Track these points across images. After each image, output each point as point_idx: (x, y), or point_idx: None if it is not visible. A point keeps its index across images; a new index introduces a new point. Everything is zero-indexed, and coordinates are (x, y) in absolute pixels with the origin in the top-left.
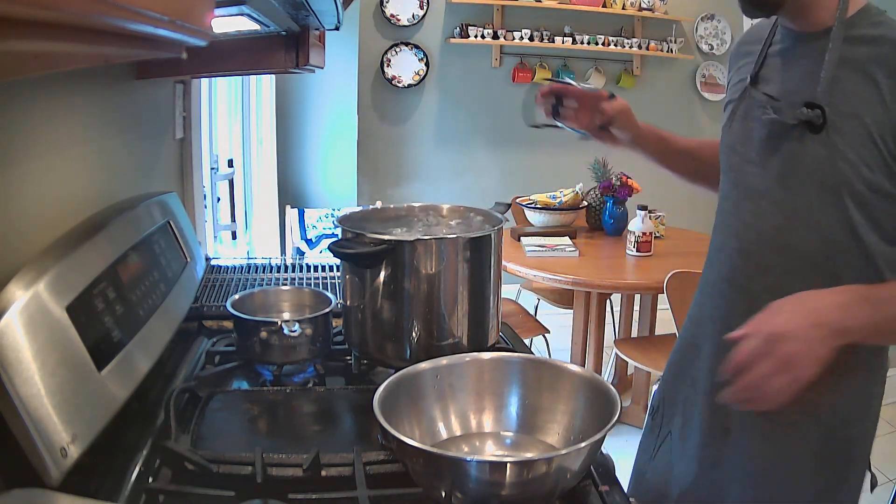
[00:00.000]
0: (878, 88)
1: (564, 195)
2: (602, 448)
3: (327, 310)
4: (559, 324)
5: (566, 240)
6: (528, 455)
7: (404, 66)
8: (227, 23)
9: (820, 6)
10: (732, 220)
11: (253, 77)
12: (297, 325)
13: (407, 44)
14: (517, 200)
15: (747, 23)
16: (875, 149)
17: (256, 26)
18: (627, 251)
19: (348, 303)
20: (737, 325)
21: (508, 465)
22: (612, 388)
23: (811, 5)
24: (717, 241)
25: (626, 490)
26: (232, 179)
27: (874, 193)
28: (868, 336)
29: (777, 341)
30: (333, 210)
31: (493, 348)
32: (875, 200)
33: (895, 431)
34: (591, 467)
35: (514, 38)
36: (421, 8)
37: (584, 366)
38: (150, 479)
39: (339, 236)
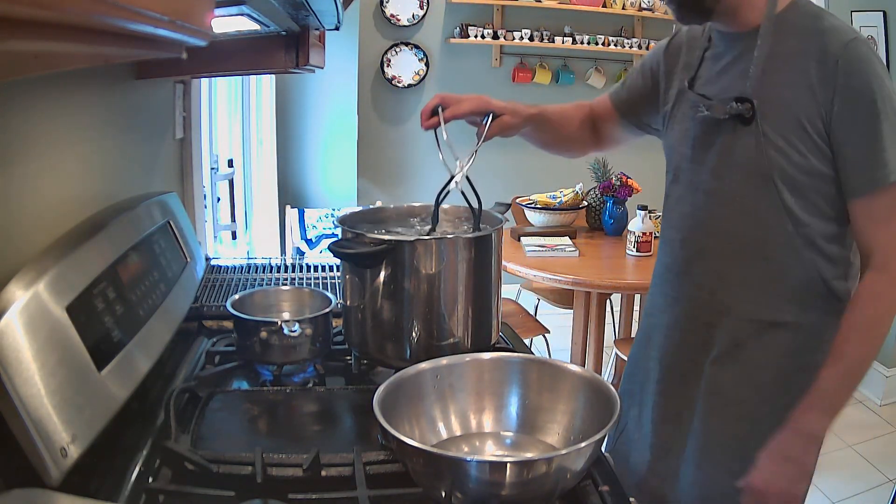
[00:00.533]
0: (806, 75)
1: (564, 195)
2: (602, 448)
3: (327, 310)
4: (559, 324)
5: (566, 240)
6: (528, 455)
7: (404, 66)
8: (227, 23)
9: (749, 7)
10: (674, 214)
11: (253, 77)
12: (297, 325)
13: (407, 44)
14: (517, 200)
15: None
16: (805, 133)
17: (256, 26)
18: (627, 251)
19: (348, 303)
20: (681, 311)
21: (508, 465)
22: (612, 388)
23: (740, 7)
24: (663, 235)
25: None
26: (232, 179)
27: (808, 176)
28: (836, 413)
29: (762, 494)
30: (333, 210)
31: (493, 348)
32: (810, 182)
33: (895, 431)
34: (591, 467)
35: (514, 38)
36: (421, 8)
37: (584, 366)
38: (150, 479)
39: (339, 236)
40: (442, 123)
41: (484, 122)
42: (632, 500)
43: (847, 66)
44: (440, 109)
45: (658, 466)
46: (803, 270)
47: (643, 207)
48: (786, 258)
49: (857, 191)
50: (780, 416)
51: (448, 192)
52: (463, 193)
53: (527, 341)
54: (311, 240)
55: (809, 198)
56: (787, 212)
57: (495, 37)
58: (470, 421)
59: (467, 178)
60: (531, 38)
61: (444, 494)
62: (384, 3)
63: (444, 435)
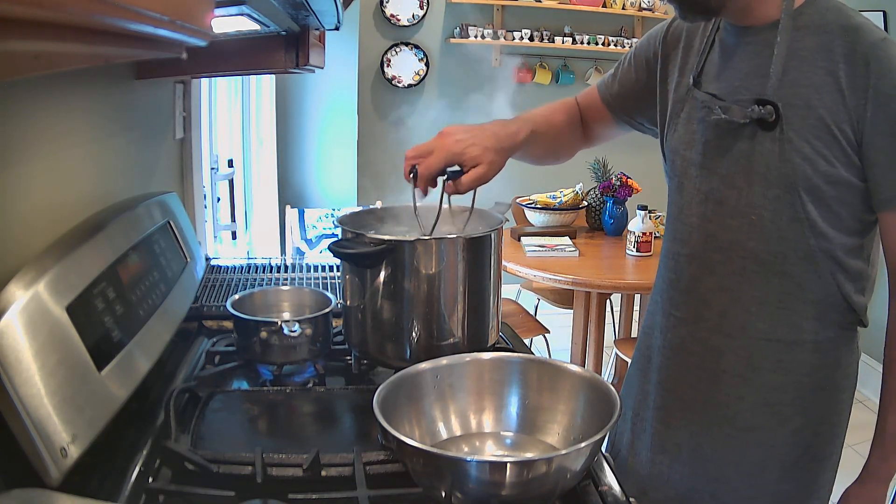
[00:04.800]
0: (833, 76)
1: (564, 195)
2: (602, 448)
3: (327, 310)
4: (559, 324)
5: (566, 240)
6: (528, 455)
7: (404, 66)
8: (227, 23)
9: (764, 1)
10: (678, 226)
11: (253, 77)
12: (297, 325)
13: (407, 44)
14: (517, 200)
15: None
16: (832, 139)
17: (256, 26)
18: (627, 251)
19: (348, 303)
20: (687, 333)
21: (508, 465)
22: (612, 388)
23: (755, 3)
24: (665, 249)
25: None
26: (232, 179)
27: (832, 186)
28: None
29: None
30: (333, 210)
31: (493, 348)
32: (835, 193)
33: None
34: (591, 467)
35: (514, 38)
36: (421, 8)
37: (584, 366)
38: (150, 479)
39: (339, 236)
40: (414, 194)
41: (445, 179)
42: (632, 500)
43: (879, 67)
44: (412, 175)
45: (656, 497)
46: (822, 286)
47: (643, 207)
48: (805, 273)
49: (890, 202)
50: (798, 438)
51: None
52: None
53: (527, 341)
54: (311, 240)
55: (833, 209)
56: (810, 224)
57: (495, 37)
58: (470, 421)
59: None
60: (531, 38)
61: (444, 494)
62: (384, 3)
63: (444, 435)
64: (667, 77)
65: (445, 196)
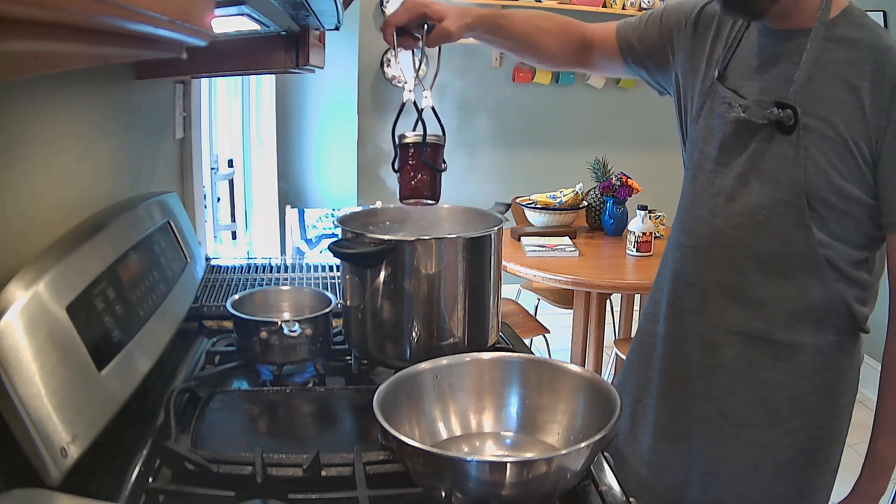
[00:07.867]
0: (856, 93)
1: (564, 195)
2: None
3: (327, 310)
4: (559, 324)
5: (566, 240)
6: (528, 455)
7: (404, 66)
8: (227, 23)
9: (802, 9)
10: (687, 218)
11: (253, 77)
12: (297, 325)
13: None
14: (517, 200)
15: None
16: (849, 155)
17: (256, 26)
18: (627, 251)
19: (348, 303)
20: (688, 324)
21: (508, 465)
22: (612, 388)
23: (793, 9)
24: (672, 239)
25: None
26: (232, 179)
27: (843, 200)
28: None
29: None
30: (333, 210)
31: (493, 348)
32: (845, 206)
33: None
34: (591, 467)
35: None
36: None
37: (584, 366)
38: (150, 479)
39: (339, 236)
40: (394, 44)
41: (424, 31)
42: (632, 500)
43: None
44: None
45: (655, 484)
46: (825, 292)
47: (643, 207)
48: (807, 278)
49: None
50: (793, 440)
51: (403, 107)
52: (423, 123)
53: (527, 341)
54: (311, 240)
55: (841, 221)
56: (815, 232)
57: None
58: (470, 421)
59: (433, 109)
60: None
61: (444, 494)
62: (384, 3)
63: (444, 435)
64: (690, 60)
65: (417, 55)
